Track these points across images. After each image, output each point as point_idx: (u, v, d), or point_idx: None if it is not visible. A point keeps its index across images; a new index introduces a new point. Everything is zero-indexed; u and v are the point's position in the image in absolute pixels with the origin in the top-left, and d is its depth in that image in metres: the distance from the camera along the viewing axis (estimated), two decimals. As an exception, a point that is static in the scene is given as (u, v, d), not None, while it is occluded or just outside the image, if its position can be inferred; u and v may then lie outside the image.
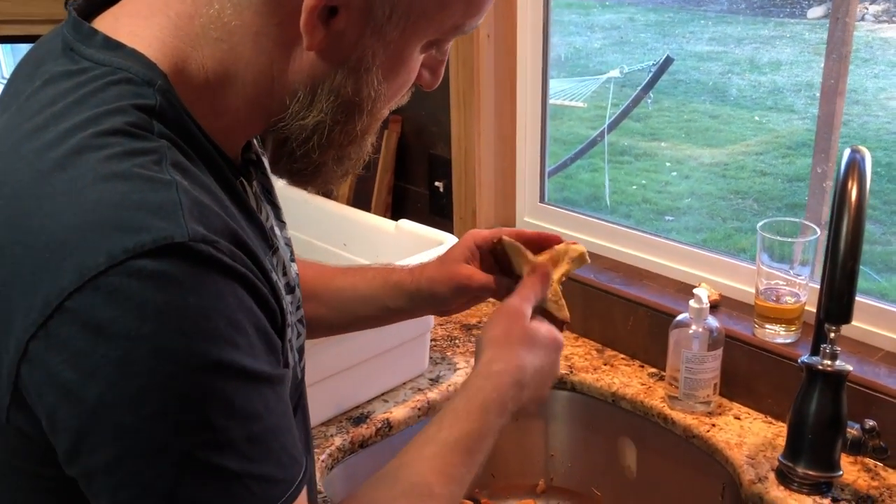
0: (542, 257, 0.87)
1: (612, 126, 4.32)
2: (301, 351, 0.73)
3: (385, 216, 1.69)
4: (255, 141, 0.72)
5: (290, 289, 0.73)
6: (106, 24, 0.60)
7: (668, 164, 4.74)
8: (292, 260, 0.76)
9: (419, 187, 1.70)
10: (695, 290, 1.21)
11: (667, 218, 4.21)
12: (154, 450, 0.50)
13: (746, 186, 4.43)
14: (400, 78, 0.64)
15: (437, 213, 1.66)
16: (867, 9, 5.46)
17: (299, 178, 0.67)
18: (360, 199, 1.71)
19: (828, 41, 1.78)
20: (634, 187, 4.52)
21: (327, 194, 1.67)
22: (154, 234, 0.49)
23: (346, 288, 0.95)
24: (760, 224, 1.20)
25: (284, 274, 0.71)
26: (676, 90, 5.53)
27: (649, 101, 4.75)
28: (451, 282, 0.89)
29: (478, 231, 0.92)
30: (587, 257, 0.88)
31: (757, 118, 5.17)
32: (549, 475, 1.38)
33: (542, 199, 1.60)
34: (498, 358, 0.77)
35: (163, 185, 0.52)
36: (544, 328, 0.81)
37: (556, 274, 0.85)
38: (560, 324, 0.84)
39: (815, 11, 6.05)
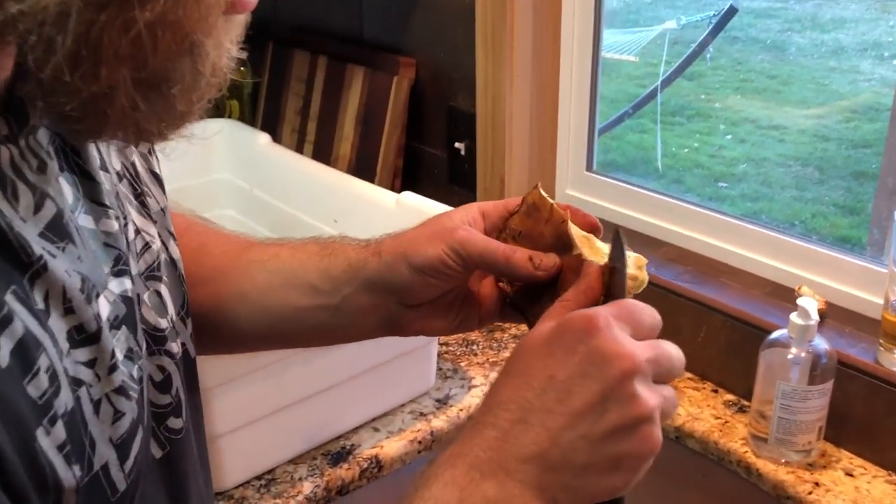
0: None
1: (666, 83, 4.03)
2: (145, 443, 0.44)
3: (393, 184, 1.38)
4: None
5: (90, 339, 0.41)
6: None
7: (722, 126, 4.47)
8: (117, 270, 0.44)
9: (436, 149, 1.39)
10: (799, 300, 0.89)
11: (720, 185, 3.95)
12: None
13: (806, 152, 4.16)
14: None
15: (458, 182, 1.35)
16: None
17: (69, 130, 0.37)
18: (363, 164, 1.40)
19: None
20: (686, 150, 4.26)
21: (301, 154, 1.36)
22: None
23: (265, 259, 0.63)
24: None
25: (71, 311, 0.40)
26: (732, 48, 5.30)
27: (708, 55, 4.48)
28: (435, 240, 0.58)
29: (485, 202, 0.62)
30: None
31: (818, 79, 4.87)
32: (588, 523, 1.08)
33: (589, 167, 1.27)
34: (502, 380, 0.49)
35: None
36: (579, 314, 0.48)
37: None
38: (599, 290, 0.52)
39: (884, -36, 5.67)
